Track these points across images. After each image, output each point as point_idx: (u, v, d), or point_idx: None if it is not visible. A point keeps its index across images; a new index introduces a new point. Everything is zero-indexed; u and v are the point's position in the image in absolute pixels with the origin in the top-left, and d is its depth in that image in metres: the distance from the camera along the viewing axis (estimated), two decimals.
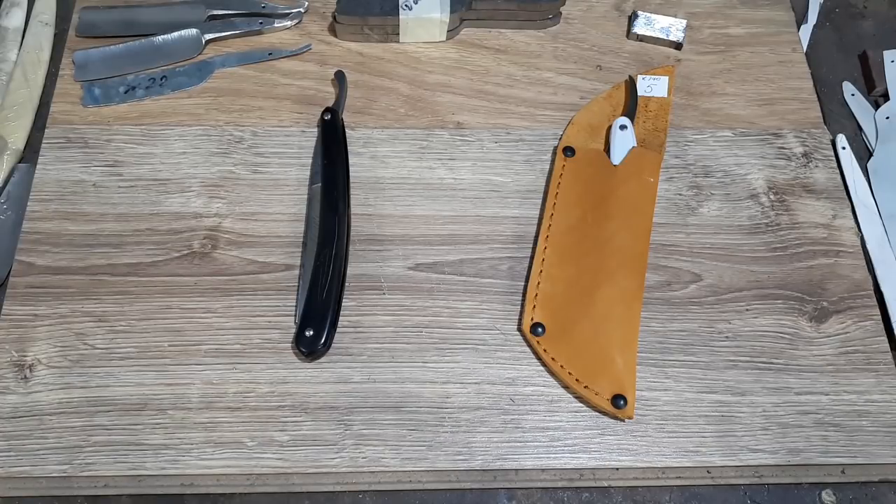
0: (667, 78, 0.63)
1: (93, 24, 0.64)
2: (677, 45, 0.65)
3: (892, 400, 0.52)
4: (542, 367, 0.52)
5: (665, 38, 0.65)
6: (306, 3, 0.66)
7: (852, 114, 0.65)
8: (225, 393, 0.50)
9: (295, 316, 0.52)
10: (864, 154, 0.63)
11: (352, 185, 0.57)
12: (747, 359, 0.53)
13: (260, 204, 0.57)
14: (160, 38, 0.63)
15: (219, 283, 0.54)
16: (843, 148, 0.62)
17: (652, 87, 0.63)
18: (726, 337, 0.53)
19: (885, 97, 0.66)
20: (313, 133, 0.60)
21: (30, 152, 0.60)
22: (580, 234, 0.55)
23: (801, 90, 0.64)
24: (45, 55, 0.65)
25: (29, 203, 0.56)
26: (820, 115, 0.63)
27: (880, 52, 0.67)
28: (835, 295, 0.55)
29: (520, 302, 0.54)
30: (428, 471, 0.49)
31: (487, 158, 0.60)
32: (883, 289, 0.56)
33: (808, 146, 0.61)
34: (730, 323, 0.54)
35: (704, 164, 0.60)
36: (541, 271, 0.54)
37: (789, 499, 0.50)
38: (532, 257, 0.55)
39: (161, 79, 0.62)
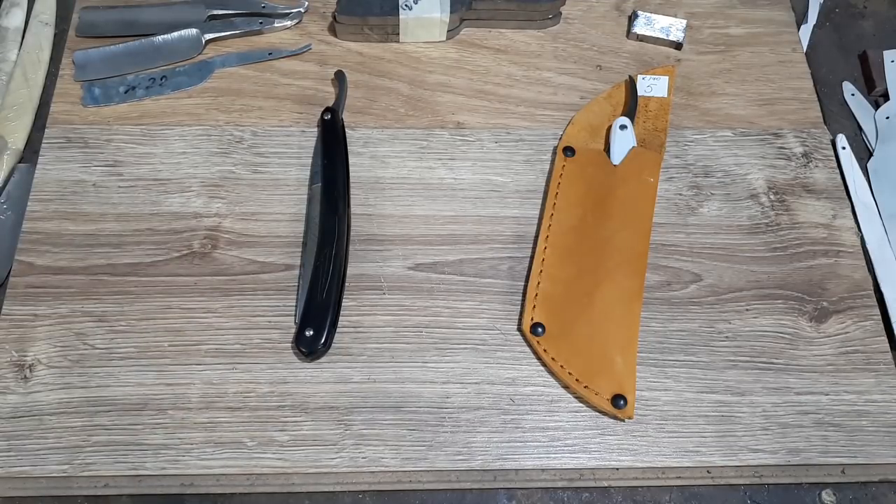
0: (667, 78, 0.63)
1: (93, 24, 0.64)
2: (677, 45, 0.65)
3: (892, 400, 0.52)
4: (542, 367, 0.52)
5: (665, 38, 0.65)
6: (306, 3, 0.66)
7: (852, 114, 0.65)
8: (225, 393, 0.50)
9: (295, 316, 0.52)
10: (864, 154, 0.63)
11: (352, 185, 0.57)
12: (747, 359, 0.53)
13: (260, 204, 0.57)
14: (160, 38, 0.63)
15: (219, 283, 0.54)
16: (843, 148, 0.62)
17: (652, 87, 0.63)
18: (726, 337, 0.53)
19: (885, 97, 0.66)
20: (313, 133, 0.60)
21: (30, 152, 0.60)
22: (580, 234, 0.55)
23: (801, 90, 0.64)
24: (45, 55, 0.65)
25: (29, 203, 0.56)
26: (820, 115, 0.63)
27: (880, 52, 0.67)
28: (835, 295, 0.55)
29: (520, 302, 0.54)
30: (428, 471, 0.49)
31: (487, 158, 0.60)
32: (883, 289, 0.56)
33: (808, 146, 0.61)
34: (730, 323, 0.54)
35: (704, 164, 0.60)
36: (541, 271, 0.54)
37: (789, 499, 0.50)
38: (532, 257, 0.55)
39: (161, 79, 0.62)
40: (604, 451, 0.49)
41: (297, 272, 0.54)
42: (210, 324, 0.52)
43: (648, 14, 0.66)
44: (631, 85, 0.62)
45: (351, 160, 0.58)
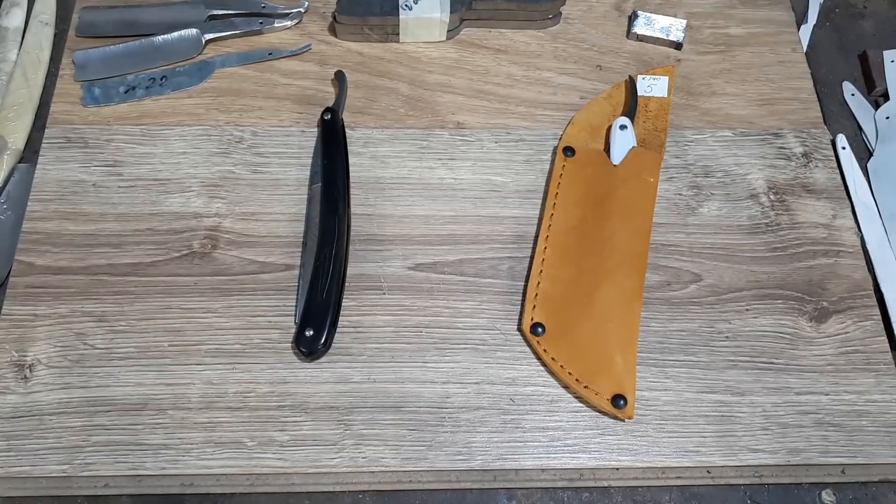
0: (667, 78, 0.63)
1: (93, 24, 0.64)
2: (677, 45, 0.65)
3: (892, 400, 0.52)
4: (542, 367, 0.52)
5: (665, 38, 0.65)
6: (306, 3, 0.66)
7: (852, 114, 0.65)
8: (225, 393, 0.50)
9: (295, 316, 0.52)
10: (864, 154, 0.63)
11: (352, 185, 0.57)
12: (747, 359, 0.53)
13: (260, 204, 0.57)
14: (160, 38, 0.63)
15: (219, 283, 0.54)
16: (843, 148, 0.62)
17: (652, 87, 0.63)
18: (726, 337, 0.53)
19: (885, 97, 0.66)
20: (313, 133, 0.60)
21: (30, 152, 0.60)
22: (580, 234, 0.55)
23: (801, 90, 0.64)
24: (45, 55, 0.65)
25: (29, 203, 0.56)
26: (820, 115, 0.63)
27: (880, 52, 0.67)
28: (835, 295, 0.55)
29: (520, 302, 0.54)
30: (428, 471, 0.49)
31: (487, 158, 0.60)
32: (883, 289, 0.56)
33: (808, 146, 0.61)
34: (730, 323, 0.54)
35: (704, 164, 0.60)
36: (541, 271, 0.54)
37: (789, 499, 0.50)
38: (532, 257, 0.55)
39: (161, 79, 0.62)
40: (604, 451, 0.49)
41: (297, 272, 0.54)
42: (210, 324, 0.52)
43: (648, 14, 0.66)
44: (631, 85, 0.62)
45: (351, 160, 0.58)
